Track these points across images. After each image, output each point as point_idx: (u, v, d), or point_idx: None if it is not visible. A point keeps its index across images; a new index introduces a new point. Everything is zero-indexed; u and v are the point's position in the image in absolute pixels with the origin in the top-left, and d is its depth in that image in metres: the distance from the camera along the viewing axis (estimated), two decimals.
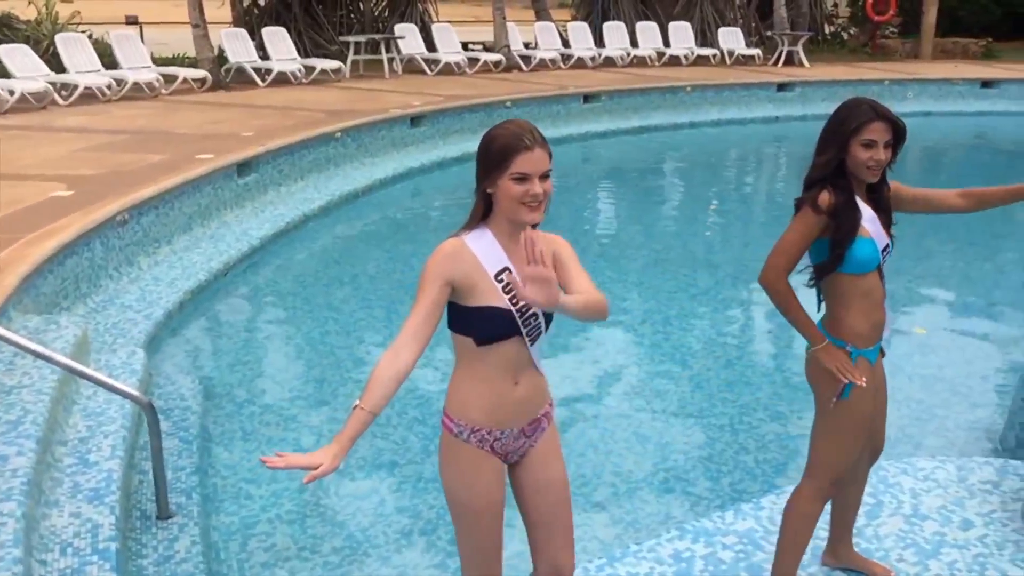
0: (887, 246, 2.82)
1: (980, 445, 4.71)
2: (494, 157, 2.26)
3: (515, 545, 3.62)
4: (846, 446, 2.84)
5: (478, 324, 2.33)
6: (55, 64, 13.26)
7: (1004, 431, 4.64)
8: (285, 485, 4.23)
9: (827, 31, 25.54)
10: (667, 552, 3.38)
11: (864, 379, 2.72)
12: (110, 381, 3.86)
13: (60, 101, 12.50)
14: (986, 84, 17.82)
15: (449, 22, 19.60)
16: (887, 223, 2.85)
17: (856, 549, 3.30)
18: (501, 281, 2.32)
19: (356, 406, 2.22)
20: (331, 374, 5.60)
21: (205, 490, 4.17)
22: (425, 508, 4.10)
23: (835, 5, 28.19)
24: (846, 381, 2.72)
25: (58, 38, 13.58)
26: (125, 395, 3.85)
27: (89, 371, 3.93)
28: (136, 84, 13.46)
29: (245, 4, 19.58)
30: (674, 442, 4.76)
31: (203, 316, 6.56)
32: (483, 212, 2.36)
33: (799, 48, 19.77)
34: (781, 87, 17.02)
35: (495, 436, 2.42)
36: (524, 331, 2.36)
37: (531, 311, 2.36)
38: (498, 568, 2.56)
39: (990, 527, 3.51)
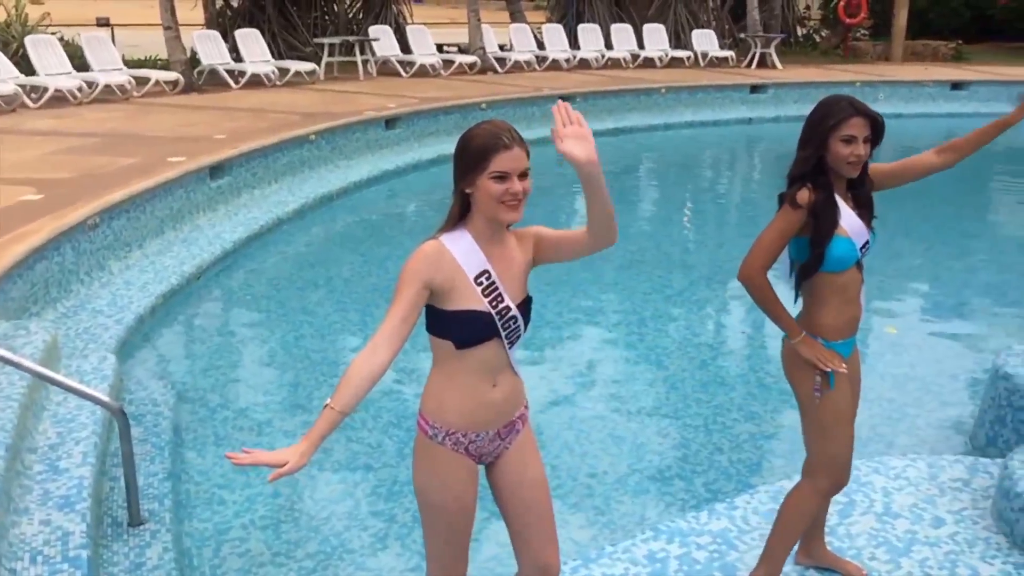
0: (866, 242, 2.85)
1: (951, 443, 4.76)
2: (473, 156, 2.26)
3: (492, 548, 3.63)
4: (839, 437, 2.88)
5: (457, 327, 2.32)
6: (25, 66, 13.11)
7: (974, 429, 4.69)
8: (259, 490, 4.20)
9: (799, 33, 25.76)
10: (642, 553, 3.39)
11: (844, 366, 2.78)
12: (80, 387, 3.82)
13: (30, 104, 12.36)
14: (956, 86, 18.04)
15: (424, 24, 19.57)
16: (868, 218, 2.88)
17: (829, 548, 3.33)
18: (481, 284, 2.32)
19: (327, 405, 2.21)
20: (305, 378, 5.57)
21: (177, 496, 4.13)
22: (400, 512, 4.08)
23: (807, 8, 28.44)
24: (827, 369, 2.76)
25: (28, 40, 13.43)
26: (96, 401, 3.81)
27: (59, 377, 3.89)
28: (107, 86, 13.33)
29: (218, 6, 19.46)
30: (649, 443, 4.78)
31: (175, 321, 6.51)
32: (460, 213, 2.36)
33: (772, 50, 19.92)
34: (754, 89, 17.13)
35: (470, 438, 2.42)
36: (503, 333, 2.36)
37: (511, 313, 2.35)
38: (464, 568, 2.58)
39: (961, 524, 3.54)
